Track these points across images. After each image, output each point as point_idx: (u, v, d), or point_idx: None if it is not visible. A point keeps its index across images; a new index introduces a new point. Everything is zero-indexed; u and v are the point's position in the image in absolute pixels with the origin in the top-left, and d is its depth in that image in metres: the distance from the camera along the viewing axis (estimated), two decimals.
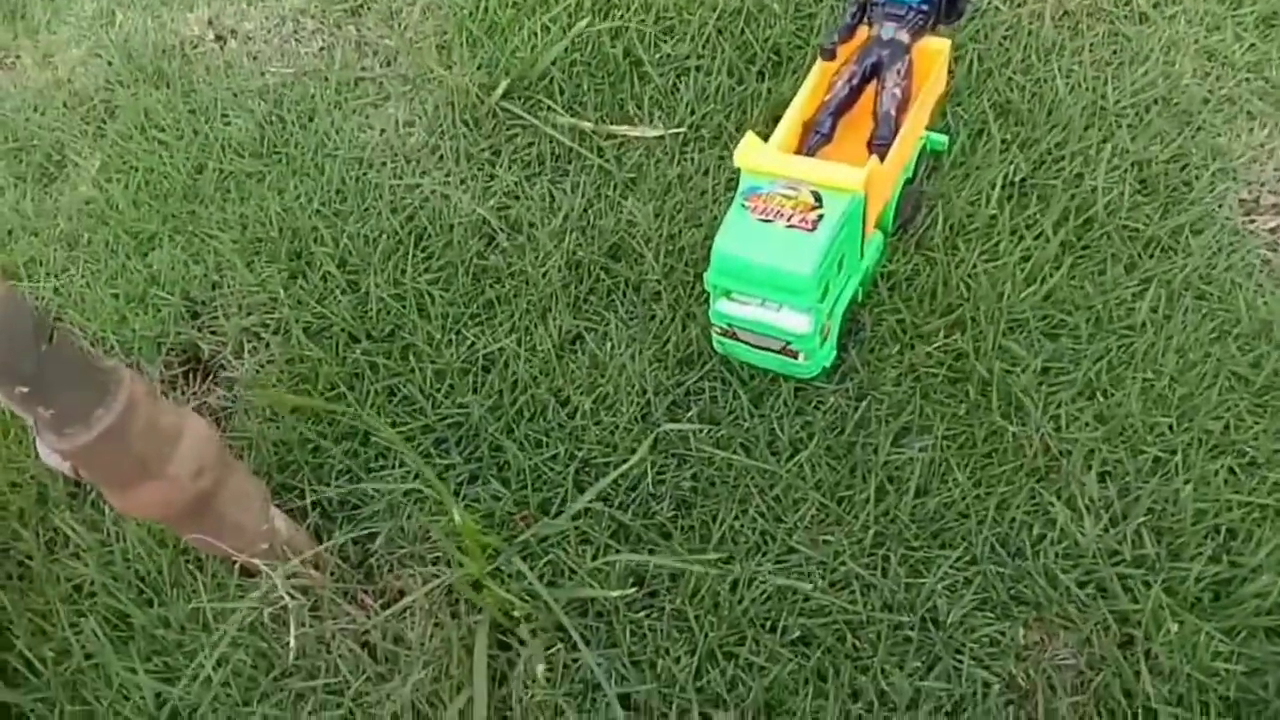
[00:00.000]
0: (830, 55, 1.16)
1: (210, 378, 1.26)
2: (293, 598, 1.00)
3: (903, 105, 1.12)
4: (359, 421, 1.14)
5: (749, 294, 1.02)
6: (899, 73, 1.12)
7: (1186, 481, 0.97)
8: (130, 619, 1.02)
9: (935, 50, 1.17)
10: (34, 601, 1.07)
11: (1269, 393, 1.02)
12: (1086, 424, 1.02)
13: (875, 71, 1.14)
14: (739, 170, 1.06)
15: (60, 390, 0.79)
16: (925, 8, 1.14)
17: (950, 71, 1.24)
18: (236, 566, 1.02)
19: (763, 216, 1.01)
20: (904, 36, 1.13)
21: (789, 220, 1.00)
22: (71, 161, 1.58)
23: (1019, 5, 1.42)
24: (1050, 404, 1.04)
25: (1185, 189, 1.20)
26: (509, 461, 1.09)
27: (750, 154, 1.04)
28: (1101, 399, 1.04)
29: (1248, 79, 1.29)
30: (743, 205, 1.02)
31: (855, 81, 1.14)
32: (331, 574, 1.04)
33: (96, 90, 1.67)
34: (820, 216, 0.99)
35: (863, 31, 1.18)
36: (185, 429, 0.89)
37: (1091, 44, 1.35)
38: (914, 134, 1.15)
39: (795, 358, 1.05)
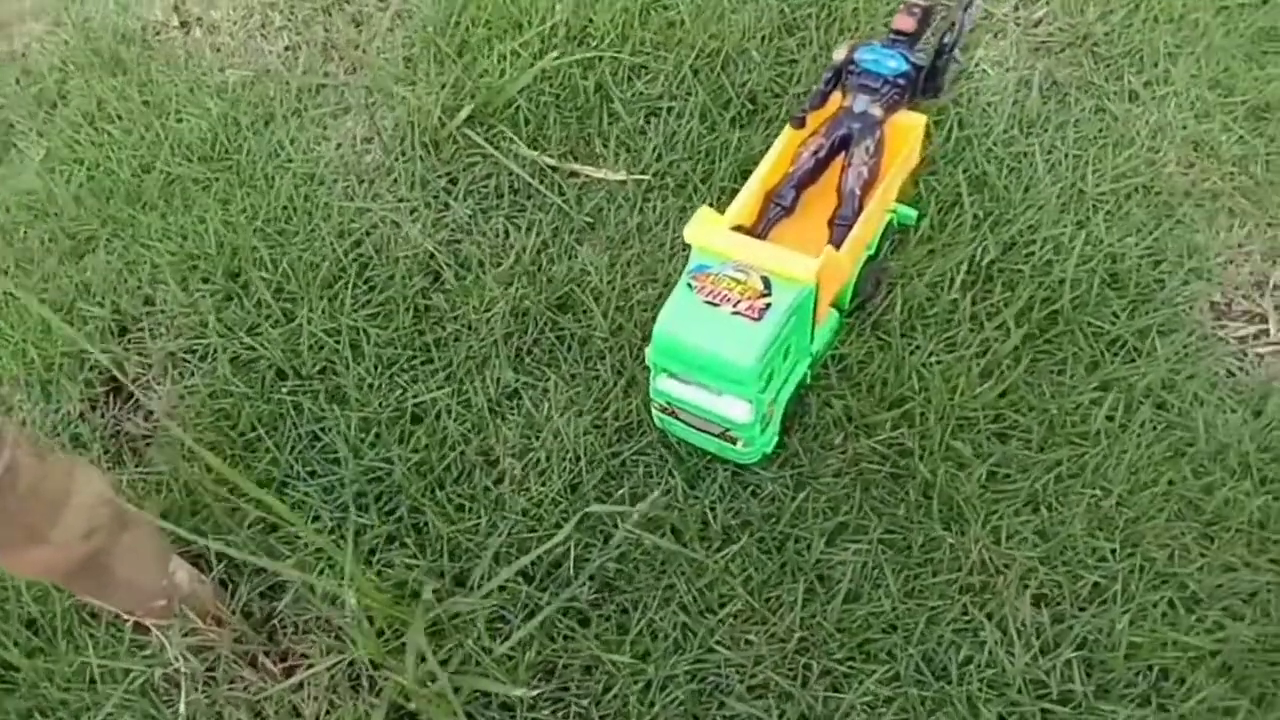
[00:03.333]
0: (800, 124, 1.11)
1: (132, 401, 1.21)
2: (186, 660, 0.96)
3: (869, 184, 1.07)
4: (276, 468, 1.09)
5: (689, 377, 0.98)
6: (868, 150, 1.07)
7: (1124, 613, 0.93)
8: (17, 669, 0.98)
9: (909, 126, 1.12)
10: None
11: (1217, 523, 0.98)
12: (1026, 539, 0.98)
13: (844, 145, 1.09)
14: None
15: None
16: (901, 82, 1.09)
17: (925, 147, 1.18)
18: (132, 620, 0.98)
19: (709, 299, 0.96)
20: (877, 111, 1.08)
21: (735, 306, 0.95)
22: (18, 145, 1.52)
23: (1007, 70, 1.37)
24: (992, 514, 1.00)
25: (1157, 286, 1.16)
26: (428, 526, 1.04)
27: (702, 231, 0.99)
28: (1045, 513, 1.00)
29: (1232, 173, 1.24)
30: (689, 285, 0.97)
31: (822, 154, 1.09)
32: (233, 632, 1.00)
33: (50, 70, 1.60)
34: (768, 305, 0.95)
35: (836, 99, 1.12)
36: (74, 489, 0.83)
37: (1077, 120, 1.30)
38: (878, 213, 1.10)
39: (734, 444, 1.00)
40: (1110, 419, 1.06)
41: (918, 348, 1.10)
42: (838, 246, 1.03)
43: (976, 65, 1.37)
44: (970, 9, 1.13)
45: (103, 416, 1.18)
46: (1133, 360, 1.10)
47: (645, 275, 1.21)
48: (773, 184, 1.10)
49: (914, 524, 1.00)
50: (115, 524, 0.87)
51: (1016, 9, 1.43)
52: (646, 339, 1.13)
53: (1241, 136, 1.26)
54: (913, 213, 1.18)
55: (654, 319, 1.12)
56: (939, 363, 1.09)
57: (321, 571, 1.02)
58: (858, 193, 1.07)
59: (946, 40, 1.10)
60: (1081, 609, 0.94)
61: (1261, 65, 1.34)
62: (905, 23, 1.11)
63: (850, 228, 1.05)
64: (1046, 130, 1.30)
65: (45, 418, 1.17)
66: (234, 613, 1.01)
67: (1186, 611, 0.94)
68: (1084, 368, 1.10)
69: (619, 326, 1.16)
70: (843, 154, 1.10)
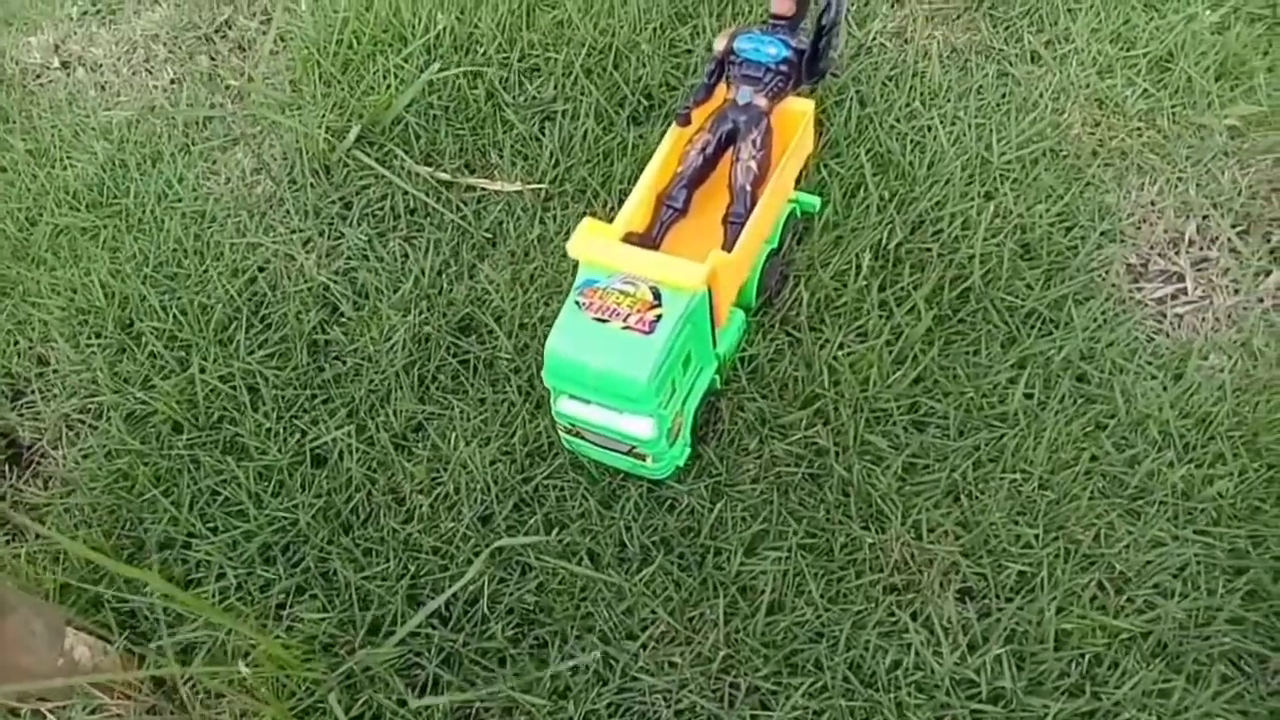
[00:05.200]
0: (685, 121, 1.07)
1: (30, 468, 1.16)
2: None
3: (759, 178, 1.03)
4: (176, 527, 1.05)
5: (586, 397, 0.94)
6: (755, 143, 1.03)
7: (1051, 600, 0.91)
8: None
9: (798, 112, 1.08)
10: None
11: (1142, 497, 0.95)
12: (948, 532, 0.95)
13: (731, 139, 1.05)
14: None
15: None
16: (784, 69, 1.05)
17: (817, 132, 1.15)
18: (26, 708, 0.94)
19: (598, 315, 0.92)
20: (761, 101, 1.04)
21: (625, 321, 0.91)
22: None
23: (906, 42, 1.33)
24: (911, 509, 0.97)
25: (1070, 253, 1.13)
26: (336, 574, 1.00)
27: (585, 244, 0.95)
28: (966, 502, 0.97)
29: (1139, 129, 1.21)
30: (577, 302, 0.94)
31: (710, 150, 1.05)
32: (143, 703, 0.96)
33: None
34: (659, 317, 0.91)
35: (721, 92, 1.09)
36: None
37: (979, 87, 1.27)
38: (774, 206, 1.06)
39: (644, 460, 0.97)
40: (1029, 397, 1.03)
41: (827, 341, 1.07)
42: (731, 246, 1.00)
43: (874, 39, 1.33)
44: None
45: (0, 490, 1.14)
46: (1049, 333, 1.07)
47: (549, 289, 1.17)
48: (663, 185, 1.06)
49: (834, 525, 0.97)
50: None
51: None
52: None
53: (1146, 90, 1.23)
54: (815, 200, 1.14)
55: None
56: (850, 354, 1.06)
57: (229, 631, 0.98)
58: (749, 189, 1.03)
59: (824, 21, 1.06)
60: (1008, 600, 0.92)
61: (1161, 14, 1.31)
62: (783, 5, 1.08)
63: (743, 225, 1.01)
64: (949, 101, 1.26)
65: None
66: (141, 682, 0.97)
67: (1116, 593, 0.91)
68: (999, 345, 1.07)
69: (524, 345, 1.12)
70: (731, 148, 1.06)
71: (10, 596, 0.87)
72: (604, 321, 0.92)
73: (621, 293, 0.93)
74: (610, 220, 1.03)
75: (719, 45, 1.08)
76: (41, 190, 1.40)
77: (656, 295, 0.92)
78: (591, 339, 0.92)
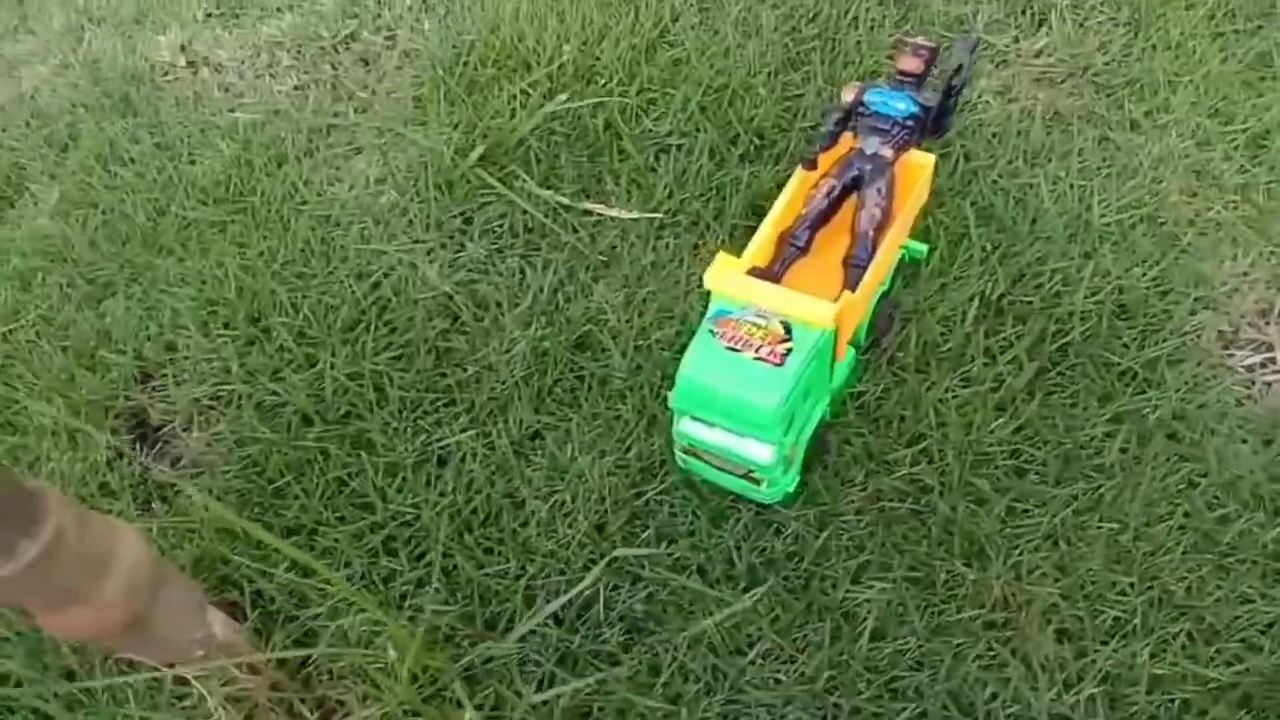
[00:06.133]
0: (811, 165, 1.13)
1: (159, 447, 1.22)
2: (226, 710, 0.97)
3: (881, 225, 1.09)
4: (305, 515, 1.10)
5: (712, 421, 0.99)
6: (879, 191, 1.09)
7: (1145, 646, 0.95)
8: None
9: (919, 165, 1.14)
10: None
11: (1232, 554, 1.00)
12: (1047, 574, 1.00)
13: (855, 185, 1.11)
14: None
15: None
16: (911, 123, 1.11)
17: (934, 184, 1.21)
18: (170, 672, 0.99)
19: (730, 344, 0.98)
20: (887, 152, 1.10)
21: (757, 351, 0.97)
22: (30, 188, 1.53)
23: (1010, 101, 1.39)
24: (1013, 550, 1.02)
25: (1164, 317, 1.18)
26: (458, 569, 1.06)
27: (721, 277, 1.01)
28: (1065, 547, 1.02)
29: (1234, 202, 1.26)
30: (710, 331, 0.99)
31: (834, 195, 1.11)
32: (269, 679, 1.01)
33: (60, 112, 1.62)
34: (789, 350, 0.97)
35: (846, 140, 1.15)
36: (115, 553, 0.85)
37: (1081, 149, 1.32)
38: (891, 252, 1.12)
39: (758, 484, 1.02)
40: (1124, 451, 1.08)
41: (933, 384, 1.12)
42: (854, 287, 1.05)
43: (980, 96, 1.39)
44: (975, 50, 1.15)
45: (130, 465, 1.20)
46: (1144, 391, 1.12)
47: (661, 313, 1.22)
48: (786, 224, 1.12)
49: (936, 560, 1.02)
50: (154, 584, 0.89)
51: (1017, 40, 1.46)
52: (665, 378, 1.16)
53: (1242, 165, 1.29)
54: (923, 247, 1.20)
55: (672, 359, 1.15)
56: (955, 398, 1.11)
57: (358, 615, 1.03)
58: (871, 233, 1.09)
59: (954, 82, 1.12)
60: (1103, 643, 0.96)
61: (1259, 92, 1.36)
62: (911, 64, 1.14)
63: (865, 268, 1.07)
64: (1051, 160, 1.32)
65: (73, 466, 1.18)
66: (269, 661, 1.02)
67: (1205, 644, 0.96)
68: (1096, 400, 1.12)
69: (638, 366, 1.18)
70: (855, 194, 1.12)
71: (167, 568, 0.93)
72: (736, 351, 0.98)
73: (754, 325, 0.99)
74: (736, 254, 1.08)
75: (847, 96, 1.14)
76: (169, 183, 1.47)
77: (787, 329, 0.98)
78: (724, 366, 0.97)
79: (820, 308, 0.98)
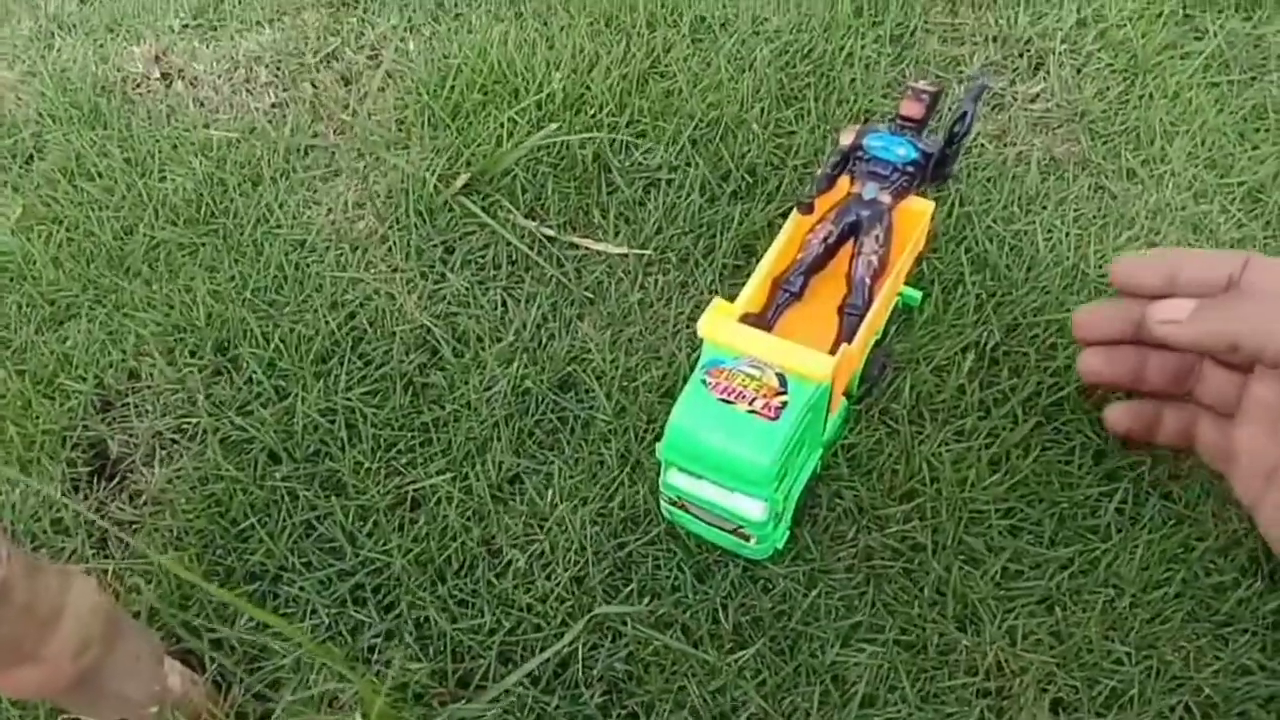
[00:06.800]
0: (808, 209, 1.10)
1: (117, 480, 1.17)
2: None
3: (878, 272, 1.06)
4: (270, 559, 1.05)
5: (701, 474, 0.96)
6: (877, 238, 1.06)
7: (1141, 718, 0.92)
8: None
9: (918, 212, 1.11)
10: None
11: (1231, 625, 0.97)
12: (1042, 641, 0.97)
13: (853, 231, 1.08)
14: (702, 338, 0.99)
15: None
16: (911, 169, 1.08)
17: (932, 231, 1.18)
18: None
19: (723, 396, 0.94)
20: (886, 198, 1.07)
21: (750, 404, 0.93)
22: None
23: (1006, 145, 1.37)
24: (1007, 614, 0.98)
25: None
26: (429, 621, 1.01)
27: (715, 325, 0.97)
28: (1060, 613, 0.99)
29: None
30: (703, 381, 0.95)
31: (831, 240, 1.08)
32: None
33: (26, 122, 1.56)
34: (784, 404, 0.93)
35: (843, 184, 1.12)
36: (68, 606, 0.80)
37: (1076, 198, 1.30)
38: (888, 300, 1.09)
39: (747, 540, 0.99)
40: (1120, 512, 1.05)
41: (926, 437, 1.09)
42: (850, 336, 1.02)
43: (975, 140, 1.36)
44: (980, 98, 1.13)
45: (86, 499, 1.14)
46: (1138, 450, 1.10)
47: (648, 354, 1.19)
48: (780, 270, 1.09)
49: (928, 623, 0.99)
50: (109, 636, 0.84)
51: (1013, 84, 1.44)
52: (651, 422, 1.12)
53: (1240, 220, 1.27)
54: (917, 294, 1.17)
55: (659, 401, 1.11)
56: (948, 451, 1.08)
57: (320, 671, 0.98)
58: (868, 281, 1.06)
59: (957, 130, 1.09)
60: (1099, 715, 0.93)
61: (1255, 145, 1.35)
62: (913, 109, 1.11)
63: (861, 317, 1.04)
64: (1046, 208, 1.30)
65: (25, 500, 1.13)
66: (228, 716, 0.97)
67: (1204, 717, 0.93)
68: (1091, 457, 1.09)
69: (622, 409, 1.14)
70: (851, 240, 1.09)
71: (123, 618, 0.88)
72: (729, 403, 0.94)
73: (748, 375, 0.95)
74: (729, 298, 1.05)
75: (845, 140, 1.11)
76: (138, 200, 1.41)
77: (782, 381, 0.94)
78: (717, 419, 0.94)
79: (818, 361, 0.94)
